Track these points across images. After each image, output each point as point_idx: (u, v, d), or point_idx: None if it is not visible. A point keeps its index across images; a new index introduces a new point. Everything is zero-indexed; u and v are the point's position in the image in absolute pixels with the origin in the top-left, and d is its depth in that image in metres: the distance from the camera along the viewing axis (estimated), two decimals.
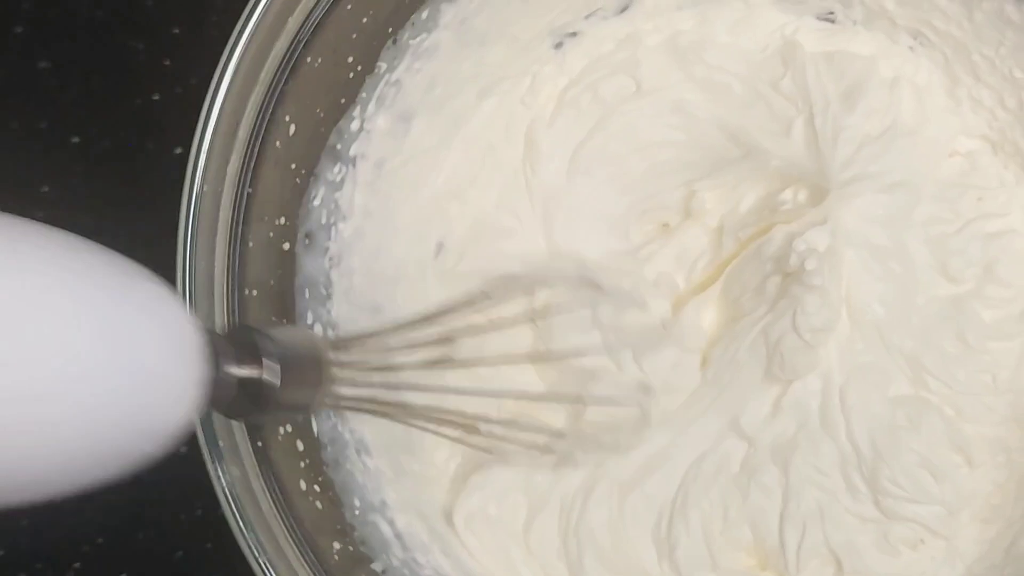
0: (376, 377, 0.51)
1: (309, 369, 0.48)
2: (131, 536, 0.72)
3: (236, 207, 0.56)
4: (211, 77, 0.62)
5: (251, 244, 0.57)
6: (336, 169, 0.62)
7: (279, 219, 0.59)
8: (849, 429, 0.63)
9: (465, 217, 0.67)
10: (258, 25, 0.56)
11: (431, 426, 0.55)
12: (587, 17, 0.67)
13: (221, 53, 0.60)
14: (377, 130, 0.63)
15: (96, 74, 0.85)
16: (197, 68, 0.74)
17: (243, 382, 0.45)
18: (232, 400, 0.46)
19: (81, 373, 0.39)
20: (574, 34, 0.68)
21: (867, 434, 0.63)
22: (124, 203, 0.80)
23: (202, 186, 0.55)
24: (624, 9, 0.67)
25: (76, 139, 0.84)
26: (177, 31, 0.82)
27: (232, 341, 0.46)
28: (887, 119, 0.64)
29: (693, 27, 0.67)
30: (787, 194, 0.65)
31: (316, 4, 0.57)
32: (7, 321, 0.37)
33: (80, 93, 0.85)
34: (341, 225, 0.63)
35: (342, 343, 0.51)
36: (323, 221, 0.62)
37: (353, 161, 0.63)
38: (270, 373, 0.46)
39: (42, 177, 0.83)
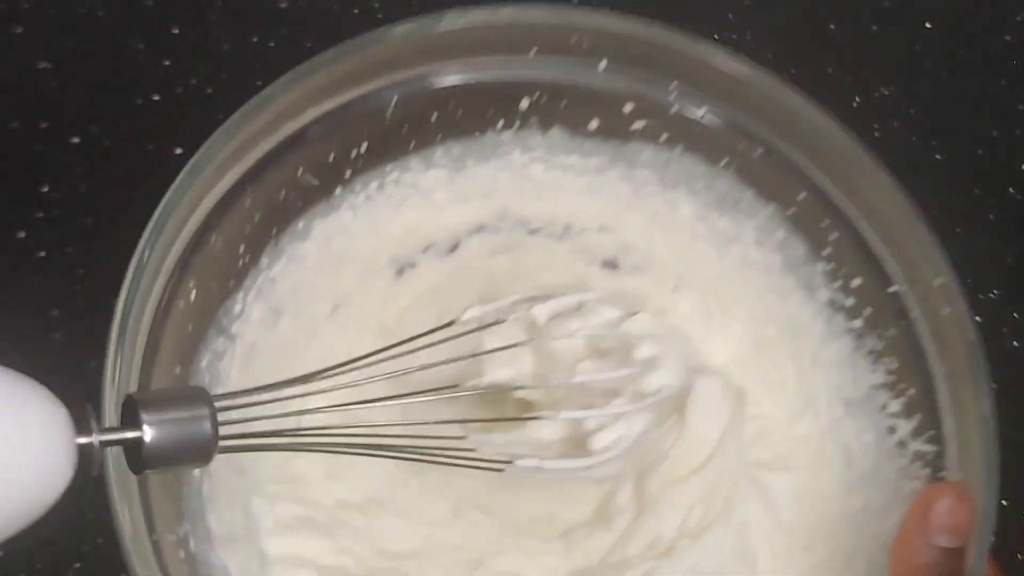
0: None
1: (192, 423, 0.55)
2: None
3: (147, 351, 0.68)
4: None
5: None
6: (220, 341, 0.74)
7: (176, 368, 0.71)
8: None
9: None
10: (179, 198, 0.67)
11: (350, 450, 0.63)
12: (424, 251, 0.83)
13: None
14: (253, 316, 0.76)
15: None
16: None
17: (121, 445, 0.54)
18: (129, 460, 0.55)
19: None
20: (413, 264, 0.83)
21: None
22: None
23: (124, 327, 0.65)
24: (454, 248, 0.83)
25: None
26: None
27: (122, 410, 0.55)
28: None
29: (506, 267, 0.84)
30: None
31: (227, 192, 0.71)
32: None
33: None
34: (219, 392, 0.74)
35: (239, 394, 0.60)
36: (206, 383, 0.73)
37: (233, 338, 0.75)
38: (147, 435, 0.53)
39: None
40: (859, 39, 1.05)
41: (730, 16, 1.03)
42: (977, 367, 0.70)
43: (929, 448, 0.72)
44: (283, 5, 0.96)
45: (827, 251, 0.78)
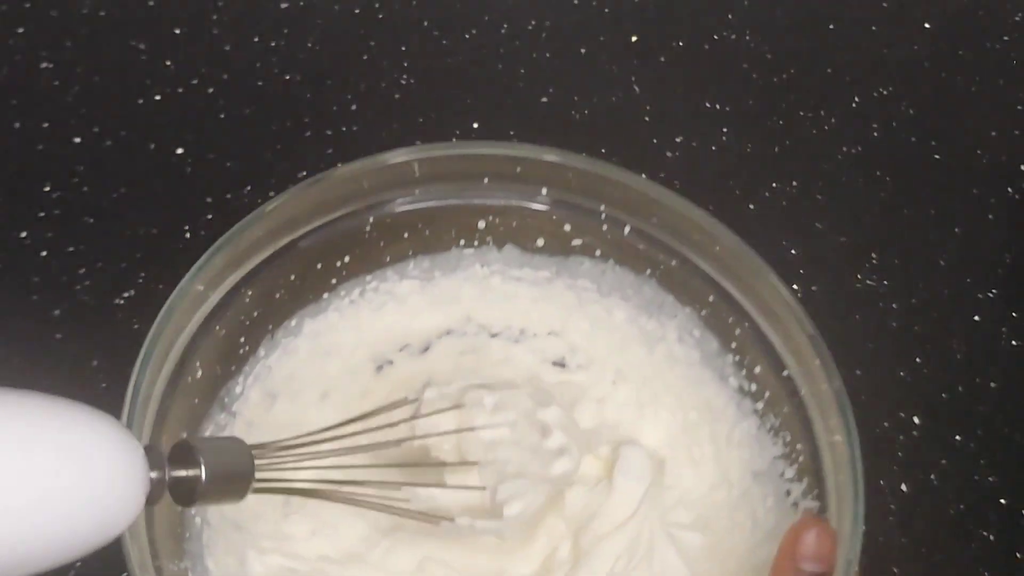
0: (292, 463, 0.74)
1: (236, 465, 0.69)
2: None
3: (157, 419, 0.81)
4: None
5: None
6: (222, 416, 0.88)
7: (182, 434, 0.85)
8: None
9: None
10: (190, 290, 0.82)
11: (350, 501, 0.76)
12: (400, 350, 0.97)
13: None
14: (252, 398, 0.90)
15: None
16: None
17: (180, 481, 0.66)
18: (178, 494, 0.66)
19: (51, 503, 0.56)
20: (391, 362, 0.97)
21: None
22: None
23: (136, 395, 0.78)
24: (426, 349, 0.98)
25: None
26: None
27: (171, 452, 0.67)
28: (597, 419, 0.96)
29: (471, 365, 0.99)
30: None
31: (229, 290, 0.86)
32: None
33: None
34: None
35: (266, 445, 0.74)
36: None
37: (234, 415, 0.89)
38: (203, 473, 0.66)
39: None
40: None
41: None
42: (850, 434, 0.82)
43: (815, 504, 0.85)
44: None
45: (734, 344, 0.92)
